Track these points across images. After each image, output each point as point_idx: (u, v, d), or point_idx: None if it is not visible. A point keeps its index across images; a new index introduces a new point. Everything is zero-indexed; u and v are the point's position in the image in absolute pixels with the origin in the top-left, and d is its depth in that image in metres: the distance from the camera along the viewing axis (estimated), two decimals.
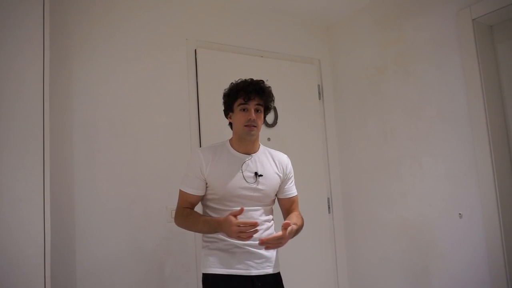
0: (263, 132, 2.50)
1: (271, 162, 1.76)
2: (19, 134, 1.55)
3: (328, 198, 2.72)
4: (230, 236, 1.51)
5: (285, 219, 1.77)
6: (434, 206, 2.15)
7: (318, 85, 2.81)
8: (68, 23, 2.01)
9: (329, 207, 2.71)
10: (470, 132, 1.98)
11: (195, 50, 2.35)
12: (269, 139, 2.52)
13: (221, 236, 1.61)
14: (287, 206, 1.81)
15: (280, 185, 1.77)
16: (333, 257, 2.67)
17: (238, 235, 1.46)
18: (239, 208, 1.51)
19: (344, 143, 2.75)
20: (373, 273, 2.50)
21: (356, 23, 2.66)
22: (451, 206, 2.06)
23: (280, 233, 1.49)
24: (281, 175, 1.77)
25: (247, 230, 1.46)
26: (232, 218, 1.47)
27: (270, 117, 2.55)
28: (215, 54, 2.39)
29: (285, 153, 2.70)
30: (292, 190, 1.82)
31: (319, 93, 2.81)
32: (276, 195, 1.79)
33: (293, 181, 1.84)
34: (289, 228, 1.50)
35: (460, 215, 2.02)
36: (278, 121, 2.56)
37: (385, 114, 2.45)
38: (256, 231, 1.48)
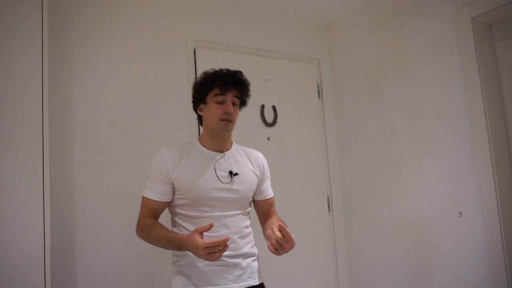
0: (262, 131, 2.51)
1: (246, 160, 1.60)
2: (19, 135, 1.55)
3: (328, 197, 2.72)
4: (197, 256, 1.33)
5: (262, 224, 1.64)
6: (434, 205, 2.15)
7: (318, 84, 2.81)
8: (67, 23, 2.00)
9: (329, 206, 2.71)
10: (470, 130, 1.98)
11: (194, 50, 2.35)
12: (268, 138, 2.52)
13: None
14: (265, 210, 1.65)
15: (257, 186, 1.61)
16: (333, 256, 2.67)
17: (206, 257, 1.28)
18: (207, 225, 1.32)
19: (344, 142, 2.75)
20: (374, 272, 2.50)
21: (355, 22, 2.66)
22: (451, 205, 2.06)
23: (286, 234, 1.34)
24: (258, 174, 1.61)
25: (217, 250, 1.27)
26: (198, 240, 1.28)
27: (269, 116, 2.55)
28: (214, 54, 2.39)
29: (284, 152, 2.69)
30: (269, 190, 1.67)
31: (319, 92, 2.81)
32: (253, 200, 1.64)
33: (269, 181, 1.68)
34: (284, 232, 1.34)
35: (460, 214, 2.02)
36: (277, 120, 2.56)
37: (384, 113, 2.44)
38: (227, 246, 1.29)
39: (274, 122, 2.56)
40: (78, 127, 1.97)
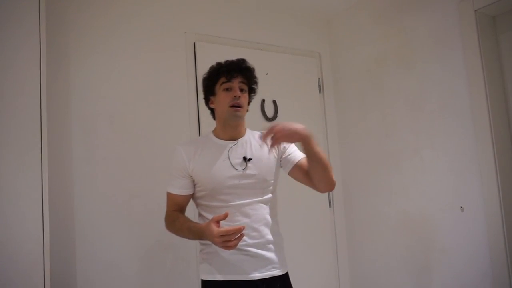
0: (263, 125, 2.49)
1: (261, 143, 1.56)
2: (18, 131, 1.54)
3: (329, 192, 2.71)
4: (215, 245, 1.37)
5: (312, 184, 1.54)
6: (435, 199, 2.14)
7: (319, 78, 2.79)
8: (65, 19, 1.99)
9: (329, 201, 2.70)
10: (472, 124, 1.96)
11: (194, 44, 2.33)
12: None
13: None
14: (305, 170, 1.54)
15: (281, 162, 1.58)
16: (334, 251, 2.67)
17: (222, 245, 1.31)
18: (222, 214, 1.34)
19: (345, 137, 2.73)
20: (375, 266, 2.50)
21: (356, 15, 2.63)
22: (452, 199, 2.05)
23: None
24: (275, 154, 1.58)
25: (232, 239, 1.30)
26: (213, 228, 1.32)
27: (270, 111, 2.53)
28: (214, 48, 2.37)
29: None
30: (298, 154, 1.58)
31: (320, 87, 2.79)
32: (289, 173, 1.58)
33: (295, 148, 1.60)
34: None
35: (462, 208, 2.01)
36: (278, 115, 2.55)
37: (386, 107, 2.43)
38: (242, 235, 1.32)
39: (274, 117, 2.54)
40: (76, 123, 1.96)
